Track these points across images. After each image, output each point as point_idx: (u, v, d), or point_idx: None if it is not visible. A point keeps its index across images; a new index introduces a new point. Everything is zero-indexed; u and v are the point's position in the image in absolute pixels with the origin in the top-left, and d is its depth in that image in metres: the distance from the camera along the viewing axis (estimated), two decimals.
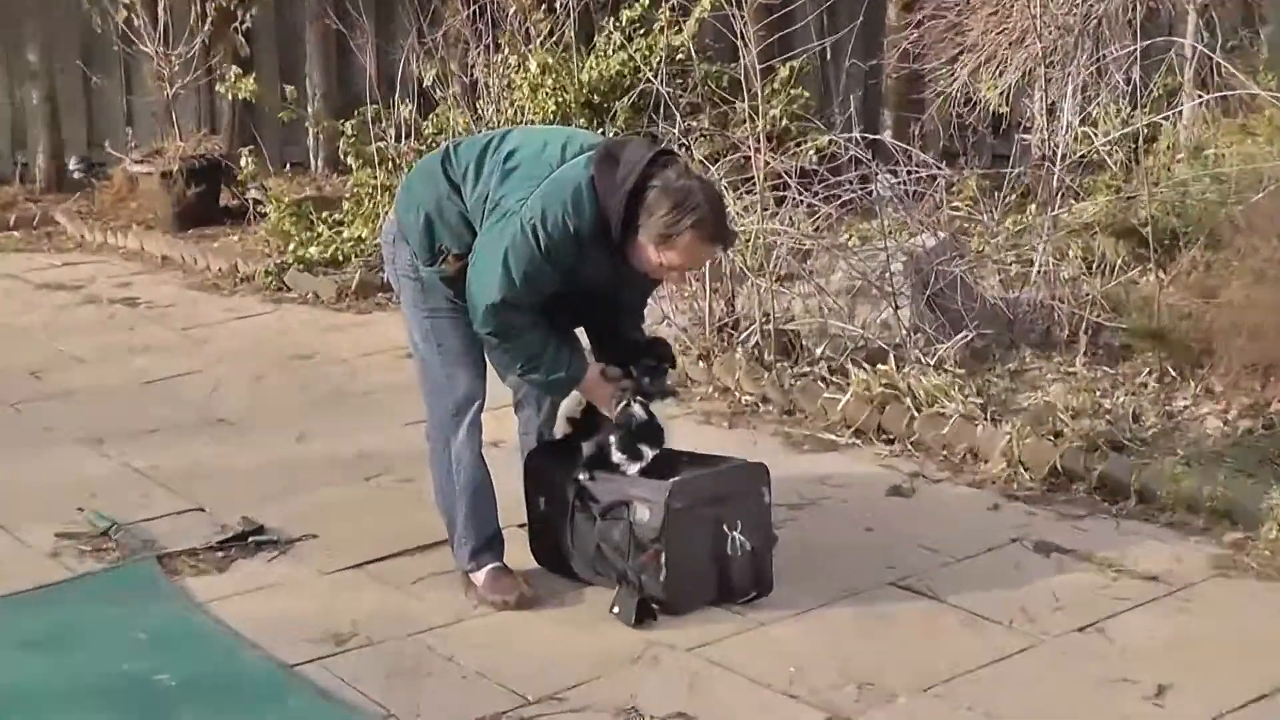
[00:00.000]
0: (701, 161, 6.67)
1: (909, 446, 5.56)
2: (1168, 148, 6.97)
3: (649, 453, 4.31)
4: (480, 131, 7.60)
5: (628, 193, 4.06)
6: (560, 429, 4.50)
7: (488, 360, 4.47)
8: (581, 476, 4.36)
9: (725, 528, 4.29)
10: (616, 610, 4.25)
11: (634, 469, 4.30)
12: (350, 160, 8.48)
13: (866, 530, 4.89)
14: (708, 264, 6.20)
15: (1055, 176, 6.48)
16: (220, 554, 4.78)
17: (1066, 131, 6.63)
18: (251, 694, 3.96)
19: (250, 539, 4.86)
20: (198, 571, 4.67)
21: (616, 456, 4.32)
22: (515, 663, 4.04)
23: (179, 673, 4.01)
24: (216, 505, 5.16)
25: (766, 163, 6.33)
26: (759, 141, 6.33)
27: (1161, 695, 3.81)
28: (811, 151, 7.10)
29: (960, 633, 4.18)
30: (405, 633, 4.22)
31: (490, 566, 4.43)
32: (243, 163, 8.91)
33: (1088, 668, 3.98)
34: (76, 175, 10.29)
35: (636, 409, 4.32)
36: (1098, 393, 5.78)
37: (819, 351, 6.19)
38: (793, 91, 7.87)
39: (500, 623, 4.29)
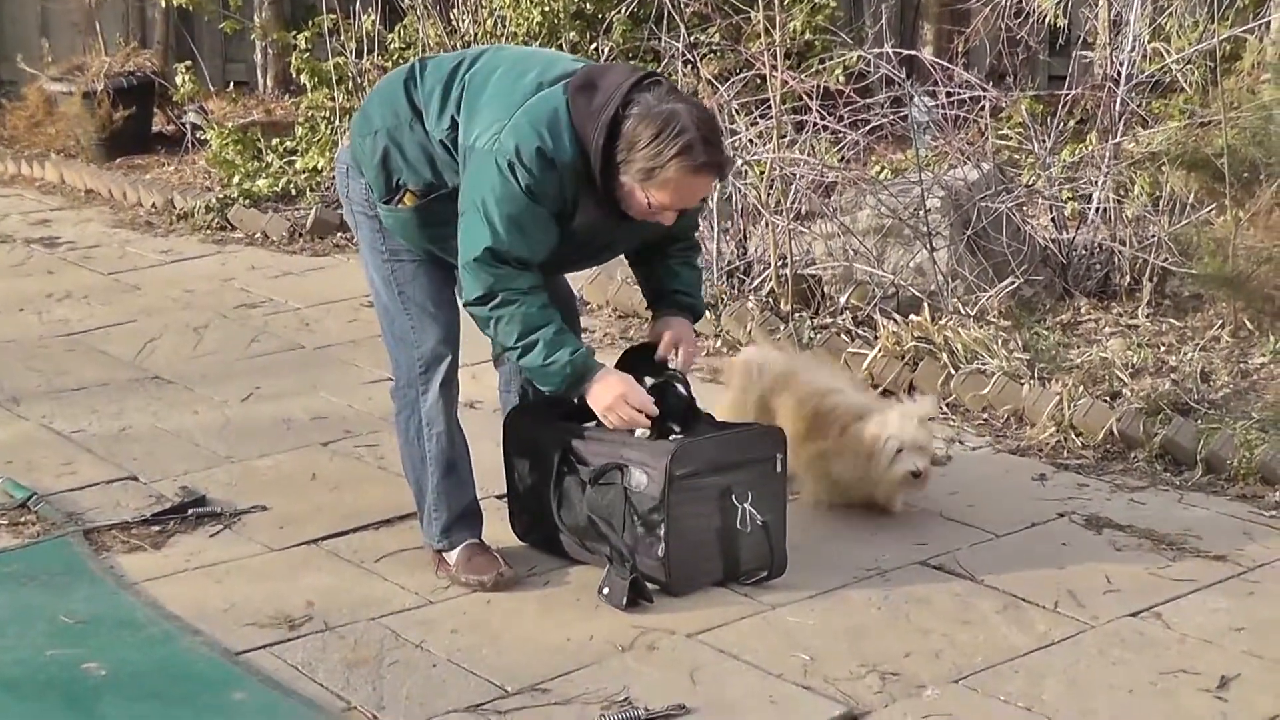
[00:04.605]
0: (709, 81, 6.74)
1: (944, 408, 5.66)
2: (1251, 66, 7.03)
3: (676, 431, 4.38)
4: (454, 47, 7.67)
5: (606, 123, 4.10)
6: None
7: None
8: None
9: (734, 499, 4.39)
10: (606, 592, 4.35)
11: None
12: (304, 79, 8.54)
13: None
14: (714, 199, 6.29)
15: (1119, 100, 6.56)
16: (156, 528, 4.88)
17: (1133, 48, 6.69)
18: (192, 685, 4.05)
19: (190, 511, 4.96)
20: (130, 548, 4.77)
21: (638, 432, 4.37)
22: (492, 650, 4.16)
23: (109, 662, 4.12)
24: (151, 473, 5.27)
25: (785, 83, 6.40)
26: (776, 58, 6.39)
27: (1225, 687, 3.92)
28: (837, 70, 7.17)
29: (998, 618, 4.29)
30: (367, 616, 4.33)
31: (465, 543, 4.54)
32: (178, 81, 8.98)
33: (1142, 657, 4.09)
34: None
35: (679, 388, 4.43)
36: (1162, 348, 5.89)
37: (843, 300, 6.29)
38: (816, 0, 7.94)
39: (475, 605, 4.40)
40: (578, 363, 4.25)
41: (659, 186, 4.13)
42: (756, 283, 6.49)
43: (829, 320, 6.21)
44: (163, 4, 9.45)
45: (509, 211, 4.13)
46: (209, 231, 8.16)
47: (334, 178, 8.01)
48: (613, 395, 4.27)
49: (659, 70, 6.79)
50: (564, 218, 4.22)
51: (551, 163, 4.12)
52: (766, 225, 6.42)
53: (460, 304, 4.38)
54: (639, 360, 4.49)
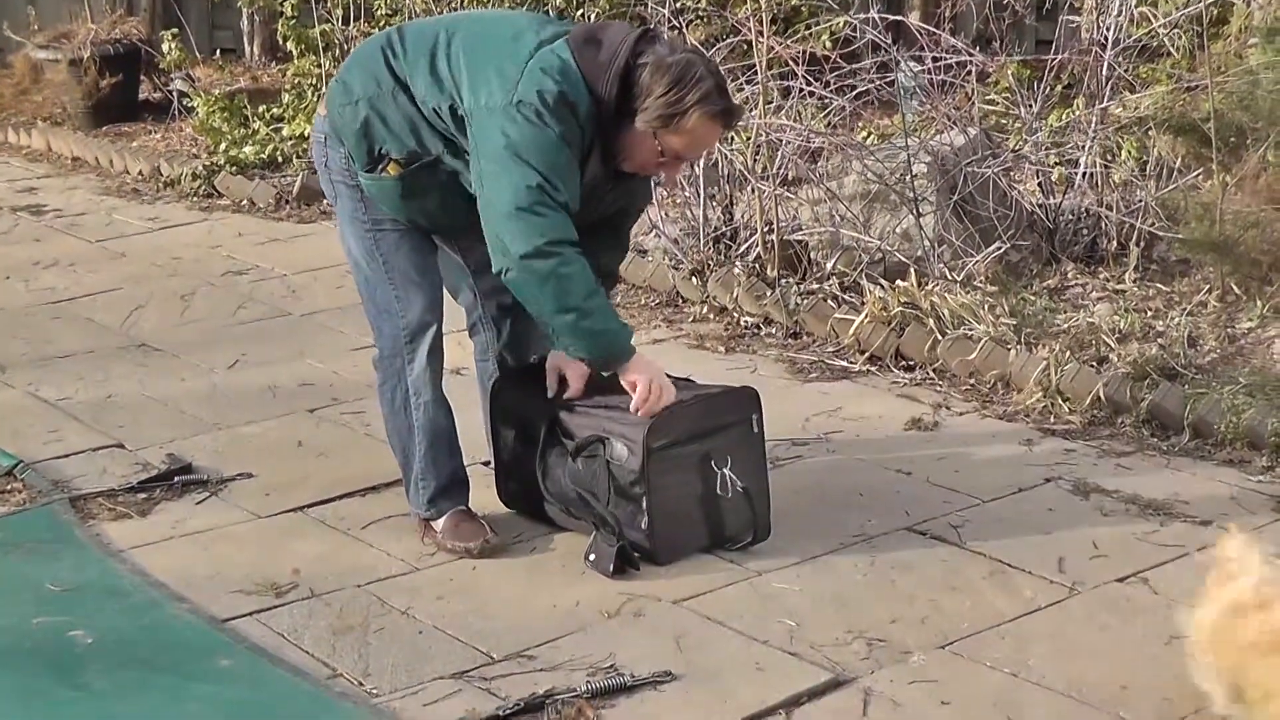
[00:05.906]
0: (696, 46, 6.69)
1: (931, 374, 5.66)
2: (1239, 31, 7.00)
3: None
4: (439, 12, 7.62)
5: (618, 73, 4.11)
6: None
7: (462, 284, 4.54)
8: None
9: (713, 464, 4.37)
10: (593, 559, 4.34)
11: None
12: (290, 46, 8.51)
13: (881, 468, 4.98)
14: (701, 165, 6.27)
15: (1106, 64, 6.53)
16: (142, 496, 4.86)
17: (1120, 12, 6.67)
18: (178, 652, 4.04)
19: (176, 479, 4.94)
20: (116, 515, 4.75)
21: None
22: (478, 617, 4.14)
23: (95, 629, 4.10)
24: (137, 441, 5.25)
25: (771, 48, 6.36)
26: (762, 23, 6.36)
27: None
28: (824, 35, 7.14)
29: (985, 584, 4.28)
30: (353, 583, 4.31)
31: (451, 511, 4.52)
32: (165, 49, 8.94)
33: (1129, 622, 4.08)
34: None
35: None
36: (1149, 313, 5.88)
37: (830, 266, 6.27)
38: None
39: (461, 572, 4.38)
40: (624, 338, 4.25)
41: (677, 133, 4.14)
42: (743, 248, 6.46)
43: (816, 286, 6.18)
44: None
45: (549, 158, 4.08)
46: (195, 199, 8.13)
47: None
48: (646, 372, 4.26)
49: None
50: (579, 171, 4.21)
51: (574, 108, 4.11)
52: (753, 191, 6.40)
53: (498, 269, 4.18)
54: (528, 379, 4.49)
